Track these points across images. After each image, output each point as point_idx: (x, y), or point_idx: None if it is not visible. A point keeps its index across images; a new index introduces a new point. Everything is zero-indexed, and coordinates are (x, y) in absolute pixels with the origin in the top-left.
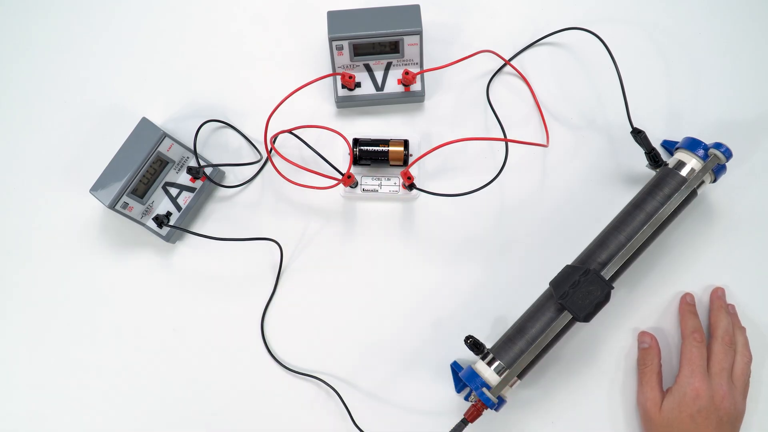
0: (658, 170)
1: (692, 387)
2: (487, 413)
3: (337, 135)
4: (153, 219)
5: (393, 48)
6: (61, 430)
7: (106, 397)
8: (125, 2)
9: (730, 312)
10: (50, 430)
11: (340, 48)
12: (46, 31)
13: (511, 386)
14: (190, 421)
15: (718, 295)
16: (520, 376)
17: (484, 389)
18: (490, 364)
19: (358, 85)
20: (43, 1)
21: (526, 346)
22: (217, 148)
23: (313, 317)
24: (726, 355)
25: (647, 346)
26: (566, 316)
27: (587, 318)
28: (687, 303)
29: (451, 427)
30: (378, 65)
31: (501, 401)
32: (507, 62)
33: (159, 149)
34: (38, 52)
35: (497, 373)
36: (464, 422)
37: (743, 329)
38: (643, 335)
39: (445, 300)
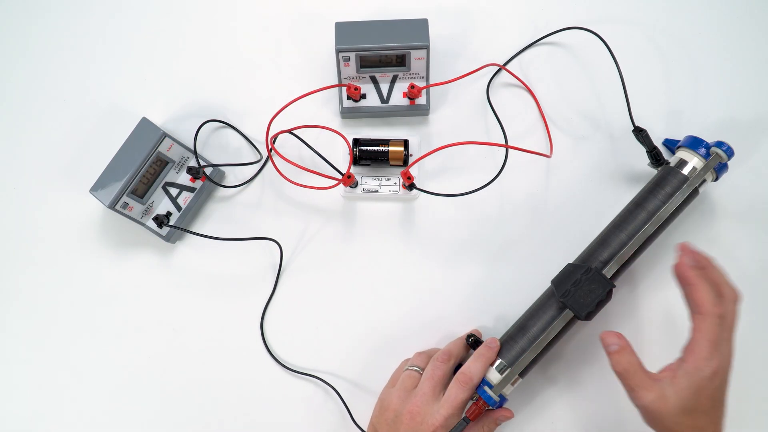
0: (659, 169)
1: (711, 369)
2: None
3: (337, 135)
4: (153, 219)
5: (399, 61)
6: (61, 430)
7: (106, 397)
8: (126, 2)
9: (702, 263)
10: (51, 430)
11: (346, 59)
12: (46, 31)
13: (513, 384)
14: (189, 421)
15: (684, 267)
16: (522, 374)
17: (486, 387)
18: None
19: (364, 96)
20: (43, 1)
21: (527, 344)
22: (217, 148)
23: (313, 317)
24: (729, 319)
25: (618, 348)
26: (568, 315)
27: (589, 316)
28: (692, 268)
29: (452, 426)
30: (384, 78)
31: (502, 399)
32: (513, 75)
33: (159, 149)
34: (38, 52)
35: (499, 372)
36: (465, 421)
37: (716, 269)
38: (608, 337)
39: (445, 299)
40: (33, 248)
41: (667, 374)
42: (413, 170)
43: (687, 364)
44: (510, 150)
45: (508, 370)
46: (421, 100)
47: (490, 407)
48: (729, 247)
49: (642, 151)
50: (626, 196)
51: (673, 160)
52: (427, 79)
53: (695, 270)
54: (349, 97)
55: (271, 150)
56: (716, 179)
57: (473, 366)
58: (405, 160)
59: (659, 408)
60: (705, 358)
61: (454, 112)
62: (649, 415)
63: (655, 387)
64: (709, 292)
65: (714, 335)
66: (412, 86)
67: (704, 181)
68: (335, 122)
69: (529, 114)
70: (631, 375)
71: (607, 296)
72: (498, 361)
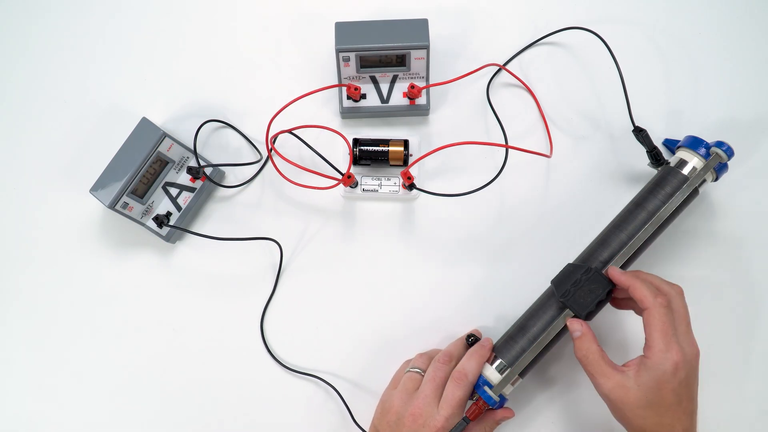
0: (659, 169)
1: (671, 362)
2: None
3: (337, 135)
4: (153, 219)
5: (399, 61)
6: (61, 430)
7: (106, 397)
8: (126, 2)
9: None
10: (51, 430)
11: (346, 59)
12: (46, 31)
13: (513, 384)
14: (189, 421)
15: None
16: (522, 374)
17: (486, 387)
18: (491, 362)
19: (364, 96)
20: (43, 1)
21: (527, 344)
22: (217, 148)
23: (313, 317)
24: (679, 311)
25: (580, 334)
26: (568, 315)
27: (589, 316)
28: (625, 272)
29: (452, 426)
30: (384, 78)
31: (503, 399)
32: (513, 75)
33: (159, 149)
34: (38, 52)
35: (499, 372)
36: (465, 421)
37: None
38: (572, 323)
39: (445, 299)
40: (33, 248)
41: (630, 368)
42: (413, 170)
43: (647, 359)
44: (510, 150)
45: (508, 370)
46: (421, 100)
47: (491, 407)
48: (729, 248)
49: (642, 151)
50: (626, 196)
51: (673, 160)
52: (427, 79)
53: (628, 273)
54: (349, 97)
55: (271, 150)
56: (716, 179)
57: (467, 363)
58: (405, 160)
59: (620, 398)
60: (662, 350)
61: (454, 112)
62: (612, 405)
63: (615, 376)
64: (648, 287)
65: (663, 326)
66: (412, 86)
67: (704, 181)
68: (335, 122)
69: (529, 114)
70: (590, 362)
71: (607, 296)
72: (498, 361)
